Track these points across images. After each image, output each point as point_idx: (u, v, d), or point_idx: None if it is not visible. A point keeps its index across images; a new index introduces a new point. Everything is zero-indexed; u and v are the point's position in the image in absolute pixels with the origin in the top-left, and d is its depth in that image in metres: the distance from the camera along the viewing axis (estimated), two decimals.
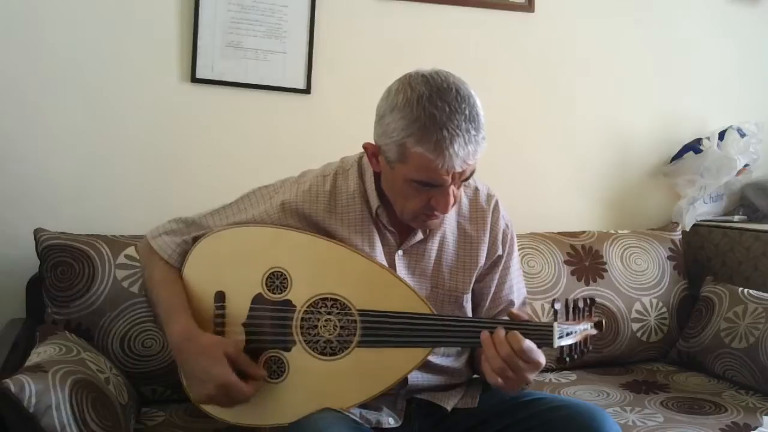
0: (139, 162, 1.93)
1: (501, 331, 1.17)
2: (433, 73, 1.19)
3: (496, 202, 1.43)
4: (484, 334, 1.18)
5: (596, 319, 1.27)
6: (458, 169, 1.17)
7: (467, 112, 1.15)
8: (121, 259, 1.71)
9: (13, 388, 1.16)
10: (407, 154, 1.17)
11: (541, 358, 1.17)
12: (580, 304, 1.24)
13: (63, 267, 1.66)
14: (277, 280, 1.28)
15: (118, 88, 1.90)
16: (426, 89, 1.16)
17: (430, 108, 1.14)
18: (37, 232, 1.70)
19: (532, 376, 1.18)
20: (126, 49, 1.90)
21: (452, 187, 1.21)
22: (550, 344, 1.18)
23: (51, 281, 1.66)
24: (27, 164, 1.84)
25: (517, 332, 1.16)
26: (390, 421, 1.30)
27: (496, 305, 1.43)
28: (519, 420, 1.28)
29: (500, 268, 1.42)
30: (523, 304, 1.47)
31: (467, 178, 1.22)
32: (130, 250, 1.72)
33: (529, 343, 1.15)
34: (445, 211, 1.24)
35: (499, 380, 1.16)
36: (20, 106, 1.83)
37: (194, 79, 1.95)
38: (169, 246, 1.34)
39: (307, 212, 1.33)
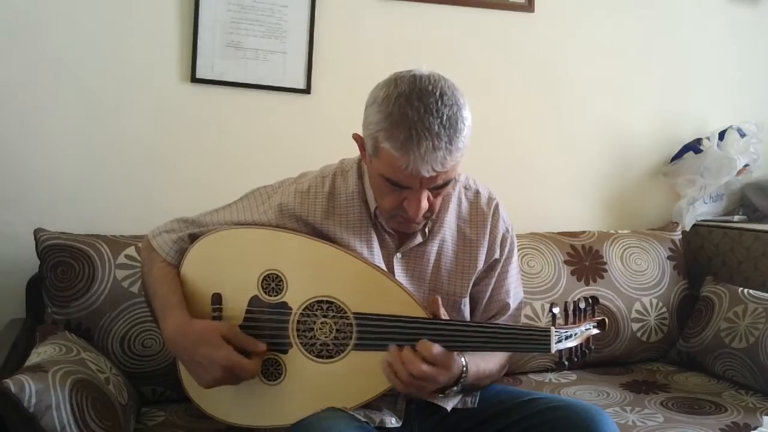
0: (138, 162, 1.93)
1: (408, 351, 1.16)
2: (424, 75, 1.17)
3: (497, 205, 1.42)
4: (393, 347, 1.17)
5: (599, 318, 1.26)
6: (425, 174, 1.14)
7: (445, 117, 1.12)
8: (121, 259, 1.71)
9: (13, 388, 1.16)
10: (378, 149, 1.17)
11: (454, 363, 1.18)
12: (582, 305, 1.23)
13: (63, 267, 1.66)
14: (272, 282, 1.28)
15: (118, 88, 1.90)
16: (408, 88, 1.14)
17: (405, 106, 1.13)
18: (37, 232, 1.70)
19: (442, 378, 1.17)
20: (126, 49, 1.90)
21: (425, 193, 1.19)
22: (548, 349, 1.17)
23: (51, 281, 1.66)
24: (27, 164, 1.84)
25: (425, 341, 1.16)
26: (392, 421, 1.30)
27: (491, 309, 1.43)
28: (518, 420, 1.28)
29: (497, 272, 1.41)
30: (518, 307, 1.46)
31: (440, 187, 1.20)
32: (130, 250, 1.72)
33: (439, 348, 1.15)
34: (414, 215, 1.21)
35: (411, 390, 1.16)
36: (20, 107, 1.83)
37: (194, 79, 1.95)
38: (167, 244, 1.35)
39: (304, 216, 1.33)
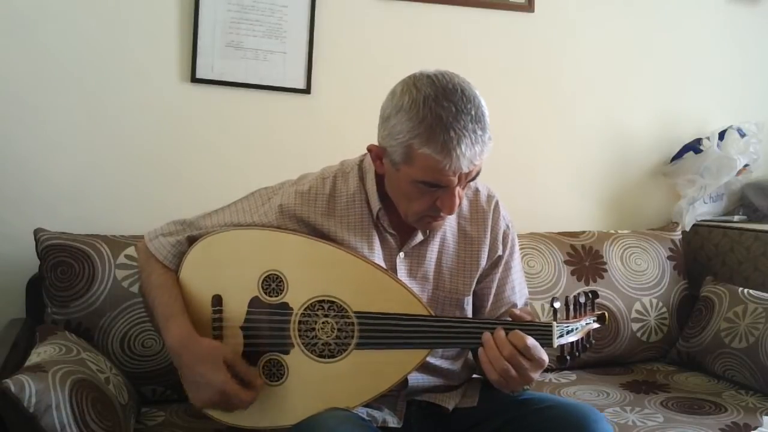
0: (138, 162, 1.93)
1: (501, 332, 1.17)
2: (438, 74, 1.19)
3: (497, 202, 1.42)
4: (486, 335, 1.18)
5: (599, 312, 1.27)
6: (465, 170, 1.16)
7: (473, 112, 1.15)
8: (121, 259, 1.71)
9: (13, 388, 1.16)
10: (413, 156, 1.17)
11: (544, 356, 1.17)
12: (582, 299, 1.24)
13: (63, 267, 1.66)
14: (273, 282, 1.28)
15: (118, 88, 1.90)
16: (431, 90, 1.15)
17: (437, 109, 1.14)
18: (37, 232, 1.70)
19: (536, 375, 1.18)
20: (126, 49, 1.90)
21: (457, 188, 1.21)
22: (550, 344, 1.18)
23: (51, 281, 1.66)
24: (26, 164, 1.84)
25: (518, 331, 1.17)
26: (394, 421, 1.31)
27: (499, 307, 1.42)
28: (516, 419, 1.28)
29: (500, 268, 1.42)
30: (525, 305, 1.47)
31: (473, 179, 1.22)
32: (130, 250, 1.72)
33: (532, 341, 1.16)
34: (450, 212, 1.23)
35: (502, 380, 1.16)
36: (19, 107, 1.83)
37: (194, 79, 1.95)
38: (165, 247, 1.33)
39: (304, 216, 1.33)
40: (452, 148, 1.13)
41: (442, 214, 1.24)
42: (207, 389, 1.19)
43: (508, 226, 1.43)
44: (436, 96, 1.15)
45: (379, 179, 1.32)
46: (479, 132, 1.15)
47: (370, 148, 1.28)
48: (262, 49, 2.00)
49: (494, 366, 1.16)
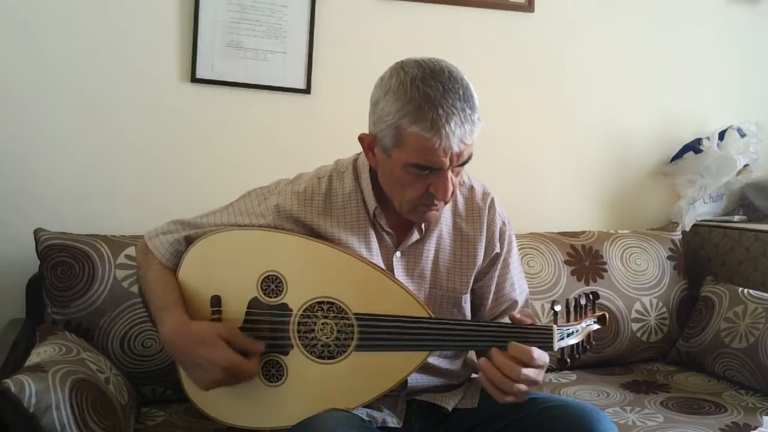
0: (138, 162, 1.93)
1: (499, 354, 1.15)
2: (425, 58, 1.20)
3: (492, 199, 1.42)
4: (485, 363, 1.15)
5: (599, 313, 1.27)
6: (456, 149, 1.16)
7: (461, 92, 1.16)
8: (121, 259, 1.71)
9: (13, 388, 1.16)
10: (403, 137, 1.17)
11: (547, 357, 1.17)
12: (582, 301, 1.24)
13: (63, 267, 1.66)
14: (272, 283, 1.27)
15: (118, 88, 1.90)
16: (419, 71, 1.17)
17: (424, 88, 1.14)
18: (38, 232, 1.70)
19: (541, 378, 1.17)
20: (126, 49, 1.90)
21: (450, 174, 1.20)
22: (550, 348, 1.17)
23: (51, 281, 1.66)
24: (27, 164, 1.84)
25: (518, 344, 1.15)
26: (394, 421, 1.31)
27: (499, 304, 1.42)
28: (517, 420, 1.28)
29: (499, 266, 1.41)
30: (526, 302, 1.47)
31: (465, 162, 1.21)
32: (130, 250, 1.72)
33: (537, 351, 1.15)
34: (444, 197, 1.22)
35: (511, 399, 1.15)
36: (20, 107, 1.83)
37: (194, 79, 1.95)
38: (163, 245, 1.33)
39: (301, 217, 1.32)
40: (441, 125, 1.13)
41: (436, 201, 1.24)
42: (211, 369, 1.19)
43: (504, 223, 1.43)
44: (424, 77, 1.16)
45: (374, 177, 1.32)
46: (468, 111, 1.15)
47: (361, 138, 1.27)
48: (262, 49, 2.00)
49: (506, 390, 1.14)
